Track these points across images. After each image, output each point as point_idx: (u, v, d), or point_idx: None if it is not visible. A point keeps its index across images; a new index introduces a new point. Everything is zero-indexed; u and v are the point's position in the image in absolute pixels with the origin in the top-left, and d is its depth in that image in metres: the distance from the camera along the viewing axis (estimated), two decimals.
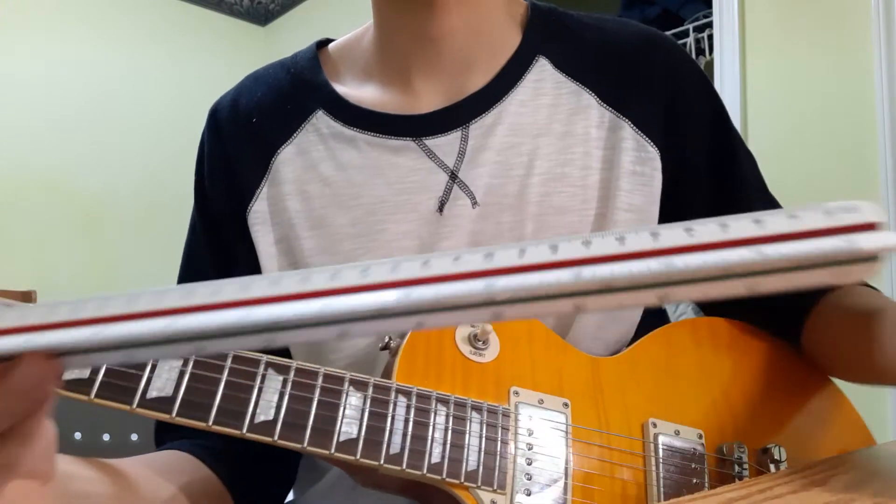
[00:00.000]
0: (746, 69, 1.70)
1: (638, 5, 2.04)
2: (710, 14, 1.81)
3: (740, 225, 0.22)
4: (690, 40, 1.91)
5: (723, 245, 0.22)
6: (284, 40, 3.18)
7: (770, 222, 0.22)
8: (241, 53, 3.17)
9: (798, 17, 1.61)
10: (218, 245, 0.63)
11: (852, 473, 0.38)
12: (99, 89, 2.76)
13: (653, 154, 0.59)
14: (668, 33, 0.67)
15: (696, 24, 1.91)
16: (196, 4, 3.10)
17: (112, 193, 2.75)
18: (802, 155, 1.55)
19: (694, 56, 1.88)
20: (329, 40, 0.68)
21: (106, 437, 1.01)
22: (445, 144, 0.58)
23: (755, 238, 0.22)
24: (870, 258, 0.22)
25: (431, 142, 0.58)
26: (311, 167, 0.60)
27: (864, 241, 0.22)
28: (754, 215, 0.23)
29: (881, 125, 1.46)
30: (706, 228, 0.23)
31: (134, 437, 1.20)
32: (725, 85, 1.71)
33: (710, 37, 1.83)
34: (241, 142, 0.63)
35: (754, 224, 0.22)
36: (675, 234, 0.23)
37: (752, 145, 0.67)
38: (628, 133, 0.59)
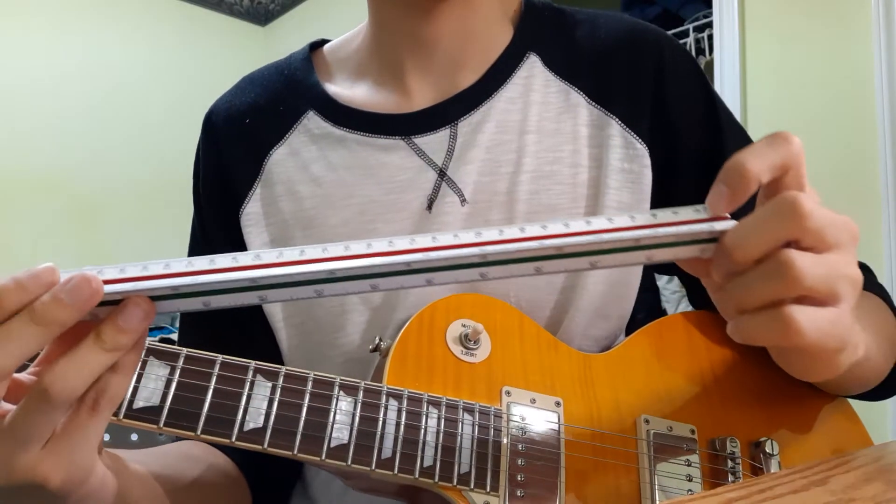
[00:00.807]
0: (746, 69, 1.70)
1: (638, 5, 2.04)
2: (710, 14, 1.80)
3: (643, 217, 0.35)
4: (690, 40, 1.91)
5: (629, 228, 0.34)
6: (284, 40, 3.18)
7: (660, 215, 0.35)
8: (241, 53, 3.16)
9: (798, 18, 1.61)
10: (214, 249, 0.63)
11: (852, 473, 0.38)
12: (98, 88, 2.76)
13: (641, 151, 0.58)
14: (667, 33, 0.64)
15: (696, 24, 1.91)
16: (196, 4, 3.10)
17: (111, 192, 2.75)
18: None
19: (694, 56, 1.87)
20: (324, 41, 0.68)
21: (106, 437, 1.02)
22: (434, 142, 0.58)
23: (650, 224, 0.35)
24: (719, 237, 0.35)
25: (420, 140, 0.58)
26: (303, 168, 0.60)
27: (719, 225, 0.35)
28: (652, 211, 0.35)
29: (881, 125, 1.46)
30: (621, 219, 0.35)
31: (134, 437, 1.20)
32: (725, 85, 1.70)
33: (710, 37, 1.83)
34: (235, 143, 0.63)
35: (651, 216, 0.35)
36: (601, 221, 0.35)
37: None
38: (616, 130, 0.58)
